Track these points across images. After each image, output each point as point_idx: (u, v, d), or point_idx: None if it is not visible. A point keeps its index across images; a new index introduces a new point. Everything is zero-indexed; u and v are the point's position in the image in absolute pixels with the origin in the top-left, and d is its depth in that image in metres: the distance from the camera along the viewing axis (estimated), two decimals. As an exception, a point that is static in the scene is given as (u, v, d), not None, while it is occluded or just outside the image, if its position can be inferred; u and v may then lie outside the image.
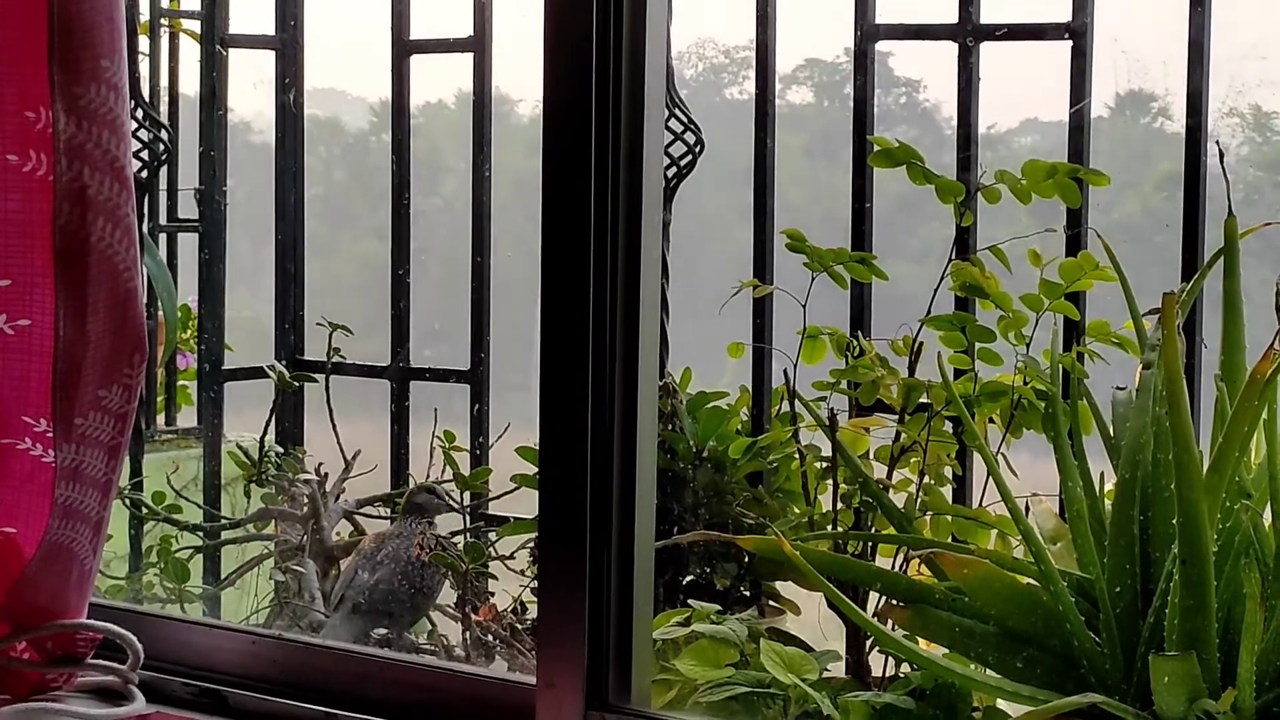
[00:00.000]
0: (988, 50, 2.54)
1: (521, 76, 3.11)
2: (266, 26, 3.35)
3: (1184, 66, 2.36)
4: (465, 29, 3.06)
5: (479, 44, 3.01)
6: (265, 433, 3.09)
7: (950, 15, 2.54)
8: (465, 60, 3.07)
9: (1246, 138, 2.68)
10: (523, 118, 3.29)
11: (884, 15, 2.63)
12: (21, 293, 2.09)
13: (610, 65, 1.97)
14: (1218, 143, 2.27)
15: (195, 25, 3.48)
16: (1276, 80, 2.51)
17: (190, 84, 3.54)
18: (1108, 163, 2.53)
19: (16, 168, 2.06)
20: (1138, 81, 2.70)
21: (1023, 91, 2.71)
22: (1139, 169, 2.84)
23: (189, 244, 3.53)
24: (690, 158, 2.68)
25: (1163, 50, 2.52)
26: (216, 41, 3.28)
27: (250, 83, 3.43)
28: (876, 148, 2.42)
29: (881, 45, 2.64)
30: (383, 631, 2.65)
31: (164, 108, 3.53)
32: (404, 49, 3.13)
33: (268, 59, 3.34)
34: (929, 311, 2.44)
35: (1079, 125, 2.42)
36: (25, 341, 2.10)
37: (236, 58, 3.36)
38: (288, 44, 3.28)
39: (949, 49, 2.56)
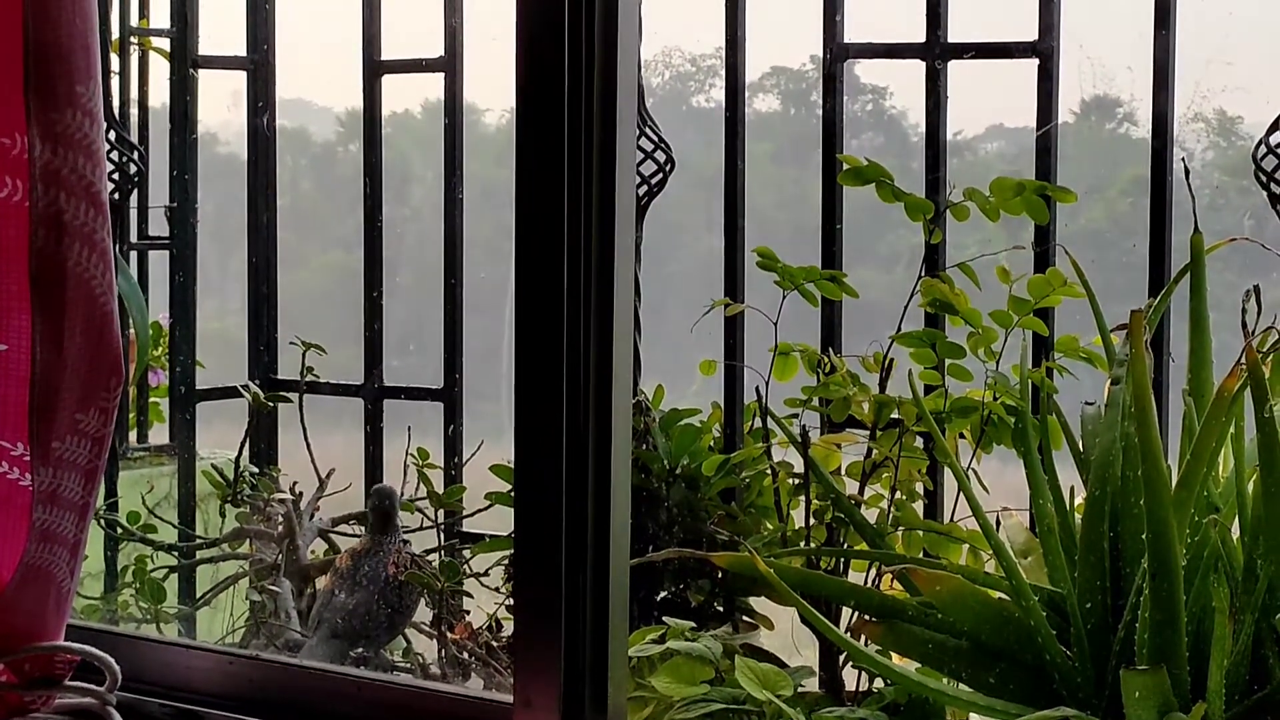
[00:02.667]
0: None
1: (489, 86, 3.12)
2: (238, 46, 3.36)
3: (1149, 72, 2.39)
4: (435, 48, 3.07)
5: (450, 64, 3.01)
6: (240, 453, 3.10)
7: (918, 34, 2.56)
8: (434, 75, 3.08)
9: (1212, 142, 2.70)
10: (489, 126, 3.31)
11: (852, 33, 2.65)
12: (-3, 317, 2.10)
13: (582, 88, 1.98)
14: (1184, 160, 2.29)
15: (164, 43, 3.49)
16: (1241, 85, 2.53)
17: (159, 96, 3.55)
18: (1074, 169, 2.55)
19: (-9, 194, 2.07)
20: (1103, 87, 2.73)
21: (989, 98, 2.72)
22: (1105, 174, 2.86)
23: (159, 260, 3.54)
24: (661, 176, 2.70)
25: (1127, 57, 2.54)
26: (189, 64, 3.28)
27: (217, 95, 3.44)
28: (846, 166, 2.44)
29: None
30: (359, 650, 2.66)
31: (134, 121, 3.54)
32: (375, 69, 3.14)
33: (238, 74, 3.36)
34: (899, 328, 2.46)
35: (1046, 147, 2.44)
36: (1, 366, 2.11)
37: (206, 71, 3.37)
38: (259, 65, 3.28)
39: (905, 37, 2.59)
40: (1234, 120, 2.70)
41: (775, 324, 2.49)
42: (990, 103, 2.78)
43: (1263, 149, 2.32)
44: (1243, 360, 1.90)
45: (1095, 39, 2.56)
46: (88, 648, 2.23)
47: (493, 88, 3.14)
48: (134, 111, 3.63)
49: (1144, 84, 2.40)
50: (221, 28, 3.41)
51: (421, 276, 3.27)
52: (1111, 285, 2.60)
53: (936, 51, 2.53)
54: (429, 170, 3.27)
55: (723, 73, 2.73)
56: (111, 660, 2.22)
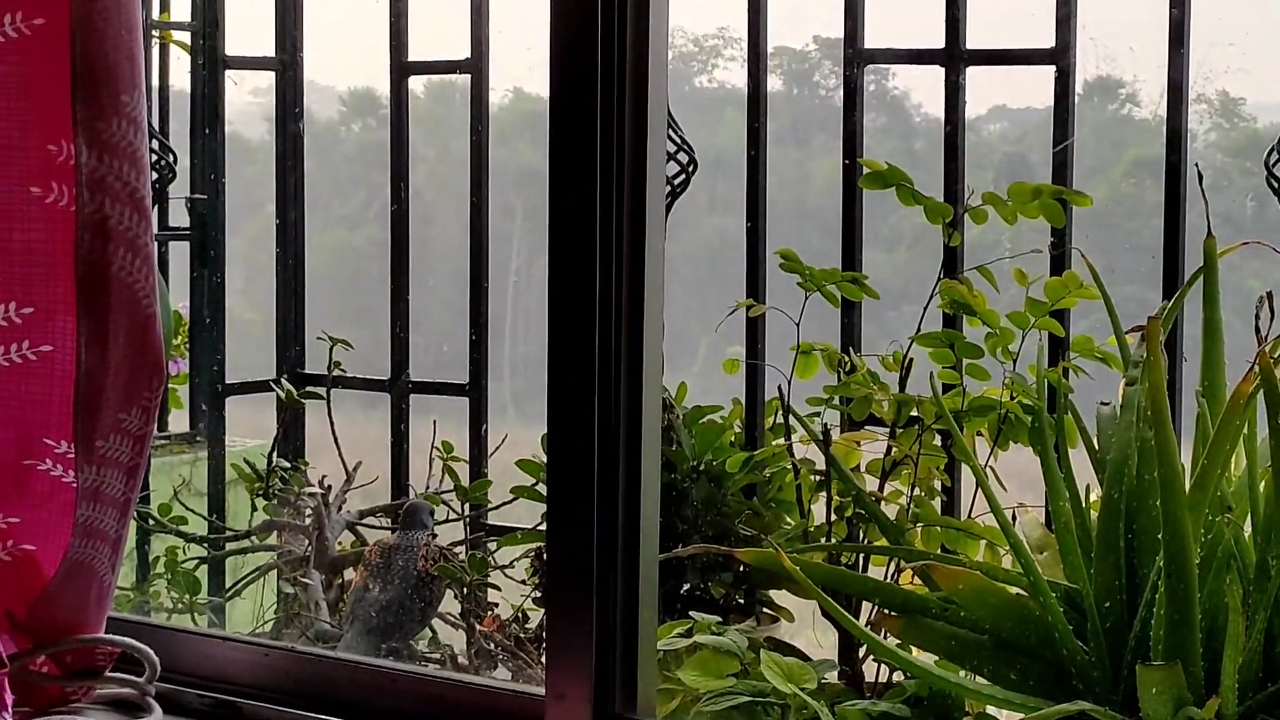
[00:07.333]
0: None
1: (493, 63, 3.12)
2: (258, 41, 3.40)
3: (1151, 52, 2.43)
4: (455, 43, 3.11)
5: (477, 66, 3.05)
6: (273, 449, 3.15)
7: (931, 28, 2.61)
8: (429, 47, 3.13)
9: (1214, 123, 2.73)
10: (492, 106, 3.32)
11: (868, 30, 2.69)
12: (44, 319, 2.15)
13: (615, 88, 2.03)
14: (1197, 165, 2.33)
15: (184, 35, 3.54)
16: (1244, 66, 2.57)
17: (177, 79, 3.58)
18: (1077, 149, 2.58)
19: (39, 199, 2.12)
20: (1106, 68, 2.76)
21: (992, 78, 2.73)
22: (1108, 155, 2.89)
23: (178, 250, 3.58)
24: (684, 177, 2.74)
25: (1130, 38, 2.57)
26: (219, 64, 3.33)
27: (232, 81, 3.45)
28: (866, 170, 2.49)
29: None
30: (391, 643, 2.71)
31: (154, 110, 3.57)
32: (403, 70, 3.18)
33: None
34: (919, 328, 2.51)
35: (1063, 161, 2.49)
36: (48, 366, 2.16)
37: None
38: (288, 65, 3.32)
39: (920, 37, 2.63)
40: (1236, 101, 2.73)
41: (798, 324, 2.54)
42: (993, 83, 2.79)
43: (1275, 155, 2.37)
44: (1256, 366, 1.95)
45: (1097, 18, 2.58)
46: (128, 640, 2.29)
47: (497, 64, 3.14)
48: (155, 100, 3.66)
49: (1147, 64, 2.44)
50: (244, 23, 3.45)
51: (425, 255, 3.29)
52: (1116, 266, 2.63)
53: (957, 59, 2.58)
54: (431, 149, 3.29)
55: (725, 52, 2.77)
56: (151, 653, 2.28)
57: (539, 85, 3.19)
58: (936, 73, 2.62)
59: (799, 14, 2.87)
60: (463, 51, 3.09)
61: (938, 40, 2.61)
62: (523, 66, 3.20)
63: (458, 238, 3.16)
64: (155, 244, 2.19)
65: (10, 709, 2.18)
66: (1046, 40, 2.52)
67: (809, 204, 2.89)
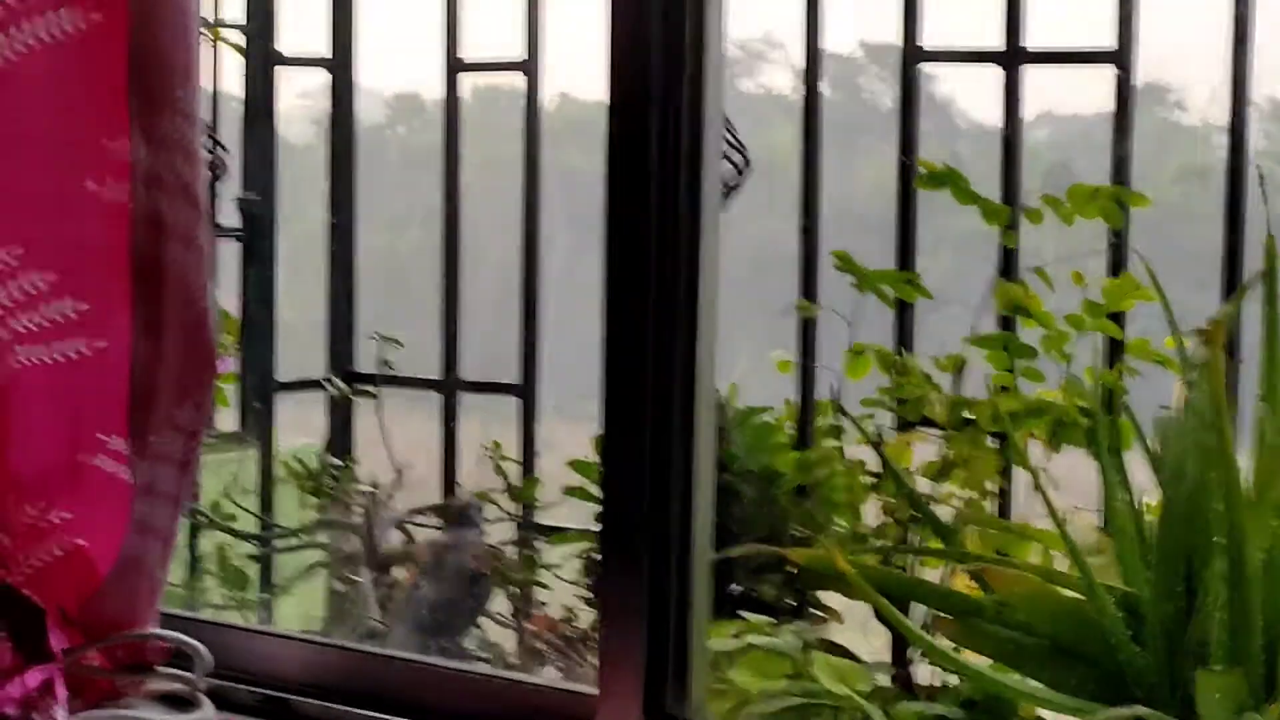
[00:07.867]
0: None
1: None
2: (306, 40, 3.40)
3: (1200, 59, 2.42)
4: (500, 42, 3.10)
5: (532, 66, 3.04)
6: (326, 447, 3.15)
7: (994, 39, 2.59)
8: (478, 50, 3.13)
9: (1263, 129, 2.71)
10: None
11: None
12: (99, 315, 2.14)
13: (672, 94, 2.02)
14: (1259, 167, 2.32)
15: (230, 33, 3.54)
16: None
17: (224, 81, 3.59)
18: (1124, 155, 2.58)
19: (94, 194, 2.11)
20: (1153, 74, 2.74)
21: (1037, 86, 2.73)
22: (1154, 162, 2.88)
23: (228, 249, 3.58)
24: (738, 176, 2.73)
25: (1180, 45, 2.56)
26: (271, 62, 3.33)
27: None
28: (923, 170, 2.47)
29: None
30: (441, 640, 2.71)
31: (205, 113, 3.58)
32: (456, 69, 3.17)
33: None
34: (972, 330, 2.50)
35: (1123, 157, 2.47)
36: (102, 362, 2.16)
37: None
38: (340, 65, 3.32)
39: (970, 39, 2.62)
40: (1285, 107, 2.72)
41: (849, 324, 2.53)
42: (1039, 90, 2.78)
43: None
44: (1319, 369, 1.93)
45: (1145, 25, 2.57)
46: (180, 635, 2.28)
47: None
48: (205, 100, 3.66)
49: (1194, 71, 2.42)
50: (297, 23, 3.45)
51: (470, 257, 3.29)
52: (1163, 272, 2.62)
53: (1017, 58, 2.56)
54: (476, 153, 3.29)
55: (769, 57, 2.76)
56: (202, 648, 2.27)
57: (584, 90, 3.20)
58: (981, 76, 2.61)
59: (841, 20, 2.86)
60: (511, 56, 3.09)
61: (983, 43, 2.60)
62: (568, 72, 3.20)
63: (501, 241, 3.16)
64: (210, 240, 2.18)
65: (64, 703, 2.18)
66: (1099, 43, 2.51)
67: (854, 208, 2.87)
